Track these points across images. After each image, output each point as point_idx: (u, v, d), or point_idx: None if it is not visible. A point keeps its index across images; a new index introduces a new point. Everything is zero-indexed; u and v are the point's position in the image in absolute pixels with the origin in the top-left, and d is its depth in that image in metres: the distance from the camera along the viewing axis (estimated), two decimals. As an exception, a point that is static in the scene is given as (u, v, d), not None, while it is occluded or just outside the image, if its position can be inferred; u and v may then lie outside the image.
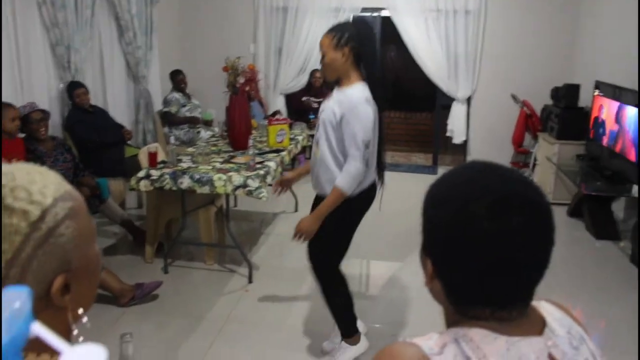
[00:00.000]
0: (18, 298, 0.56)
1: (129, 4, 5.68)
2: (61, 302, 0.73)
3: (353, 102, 2.45)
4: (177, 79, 6.01)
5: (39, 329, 0.57)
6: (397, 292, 3.75)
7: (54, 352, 0.71)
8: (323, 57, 2.53)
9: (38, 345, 0.68)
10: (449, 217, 0.80)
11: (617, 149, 4.72)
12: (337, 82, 2.59)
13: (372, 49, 2.54)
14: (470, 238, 0.78)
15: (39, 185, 0.72)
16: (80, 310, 0.76)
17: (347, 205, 2.57)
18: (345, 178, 2.48)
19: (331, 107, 2.53)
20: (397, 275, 4.05)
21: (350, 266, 4.14)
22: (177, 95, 5.94)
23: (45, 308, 0.71)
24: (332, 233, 2.66)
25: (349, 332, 2.88)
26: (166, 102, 5.92)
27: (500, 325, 0.80)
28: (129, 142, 4.98)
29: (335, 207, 2.54)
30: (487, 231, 0.77)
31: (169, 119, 5.89)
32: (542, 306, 0.89)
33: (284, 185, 3.02)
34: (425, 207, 0.87)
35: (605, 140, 5.00)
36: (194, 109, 6.04)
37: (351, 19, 2.55)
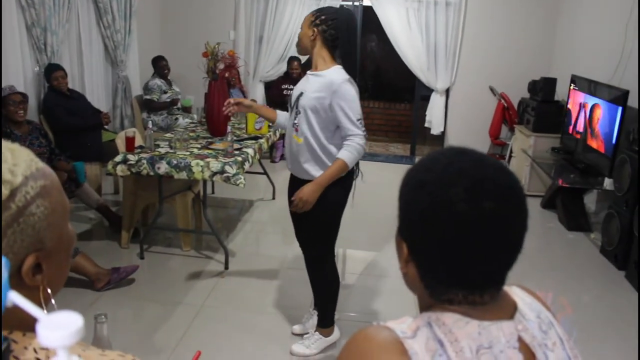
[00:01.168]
0: None
1: (108, -13, 5.61)
2: (32, 281, 0.73)
3: (336, 83, 2.47)
4: (160, 65, 5.97)
5: (16, 297, 0.58)
6: (373, 281, 3.78)
7: (26, 330, 0.72)
8: (300, 30, 2.59)
9: (10, 323, 0.69)
10: (425, 200, 0.81)
11: (591, 142, 4.80)
12: (311, 65, 2.61)
13: (349, 39, 2.55)
14: (446, 221, 0.79)
15: (9, 164, 0.71)
16: (49, 291, 0.76)
17: (332, 186, 2.58)
18: (350, 152, 2.49)
19: (312, 92, 2.53)
20: (373, 264, 4.09)
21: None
22: (158, 82, 5.90)
23: (16, 287, 0.70)
24: (323, 215, 2.65)
25: (327, 324, 2.92)
26: (148, 90, 5.87)
27: (472, 310, 0.82)
28: (106, 126, 4.92)
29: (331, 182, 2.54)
30: (463, 214, 0.78)
31: (150, 106, 5.85)
32: (514, 291, 0.91)
33: (239, 106, 2.83)
34: (402, 190, 0.88)
35: (578, 134, 5.09)
36: (174, 96, 6.00)
37: (338, 6, 2.60)
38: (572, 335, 3.23)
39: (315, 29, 2.51)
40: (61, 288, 0.81)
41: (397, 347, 0.78)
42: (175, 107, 5.93)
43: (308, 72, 2.63)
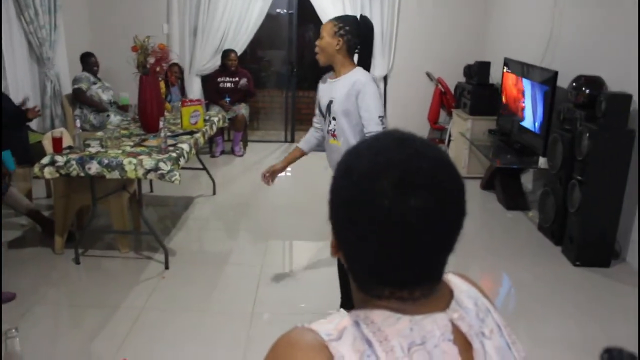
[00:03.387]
0: None
1: (28, -20, 5.33)
2: None
3: (361, 82, 2.55)
4: (89, 62, 5.81)
5: None
6: (322, 272, 3.75)
7: None
8: (321, 39, 2.63)
9: None
10: (349, 189, 0.76)
11: (525, 123, 4.92)
12: (332, 72, 2.69)
13: (369, 49, 2.67)
14: (368, 215, 0.73)
15: None
16: None
17: None
18: None
19: (341, 96, 2.58)
20: (320, 255, 4.05)
21: (274, 247, 4.12)
22: (87, 74, 5.76)
23: None
24: None
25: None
26: (76, 80, 5.72)
27: (403, 305, 0.77)
28: (32, 126, 4.69)
29: None
30: (386, 210, 0.72)
31: (79, 97, 5.66)
32: (450, 279, 0.86)
33: (273, 175, 2.96)
34: (334, 174, 0.82)
35: (513, 115, 5.20)
36: (105, 89, 5.81)
37: (358, 17, 2.69)
38: (515, 311, 3.30)
39: (341, 39, 2.57)
40: None
41: (322, 352, 0.73)
42: (106, 112, 5.72)
43: (329, 79, 2.71)
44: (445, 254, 0.78)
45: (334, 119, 2.65)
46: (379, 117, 2.55)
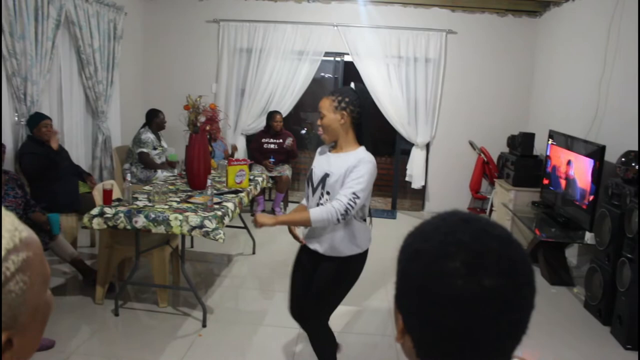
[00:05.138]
0: None
1: (92, 38, 5.63)
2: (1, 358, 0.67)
3: (365, 160, 2.49)
4: (158, 119, 5.94)
5: None
6: (353, 338, 3.67)
7: None
8: (322, 118, 2.58)
9: None
10: (420, 272, 0.76)
11: (570, 196, 4.84)
12: (334, 146, 2.65)
13: (367, 116, 2.62)
14: (441, 296, 0.73)
15: None
16: None
17: (347, 265, 2.62)
18: (321, 214, 2.47)
19: (340, 173, 2.52)
20: (353, 321, 3.98)
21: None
22: (152, 137, 5.86)
23: None
24: (332, 291, 2.68)
25: None
26: (142, 142, 5.79)
27: None
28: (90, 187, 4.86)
29: (335, 267, 2.62)
30: (460, 291, 0.72)
31: (143, 160, 5.79)
32: None
33: (264, 219, 2.79)
34: (399, 258, 0.82)
35: (558, 188, 5.12)
36: (162, 153, 5.96)
37: (352, 86, 2.71)
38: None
39: (344, 112, 2.53)
40: (32, 355, 0.75)
41: None
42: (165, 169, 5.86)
43: (328, 151, 2.67)
44: (520, 334, 0.76)
45: (327, 193, 2.57)
46: (354, 193, 2.45)
